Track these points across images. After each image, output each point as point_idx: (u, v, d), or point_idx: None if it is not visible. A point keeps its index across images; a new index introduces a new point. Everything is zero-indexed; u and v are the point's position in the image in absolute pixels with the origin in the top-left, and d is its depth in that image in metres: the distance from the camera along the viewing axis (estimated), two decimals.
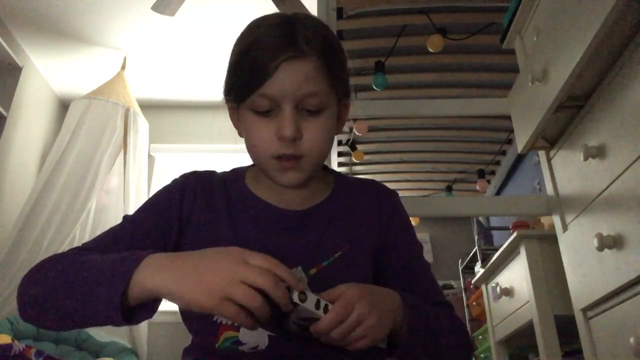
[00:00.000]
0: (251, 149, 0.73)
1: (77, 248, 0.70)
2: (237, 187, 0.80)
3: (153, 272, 0.58)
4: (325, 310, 0.60)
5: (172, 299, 0.57)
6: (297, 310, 0.61)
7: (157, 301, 0.60)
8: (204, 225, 0.75)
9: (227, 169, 0.86)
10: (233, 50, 0.72)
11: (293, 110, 0.68)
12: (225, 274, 0.55)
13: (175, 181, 0.81)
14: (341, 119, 0.78)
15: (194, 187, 0.79)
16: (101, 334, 2.92)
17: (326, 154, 0.75)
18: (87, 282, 0.59)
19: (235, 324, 0.69)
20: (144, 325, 3.07)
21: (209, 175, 0.82)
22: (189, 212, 0.76)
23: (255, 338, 0.70)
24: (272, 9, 2.41)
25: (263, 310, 0.56)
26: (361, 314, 0.61)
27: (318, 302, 0.61)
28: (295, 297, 0.59)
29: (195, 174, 0.81)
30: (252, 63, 0.67)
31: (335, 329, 0.60)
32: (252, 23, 0.73)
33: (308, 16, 0.74)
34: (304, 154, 0.70)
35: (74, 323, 0.63)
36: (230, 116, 0.78)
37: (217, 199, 0.78)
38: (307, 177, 0.74)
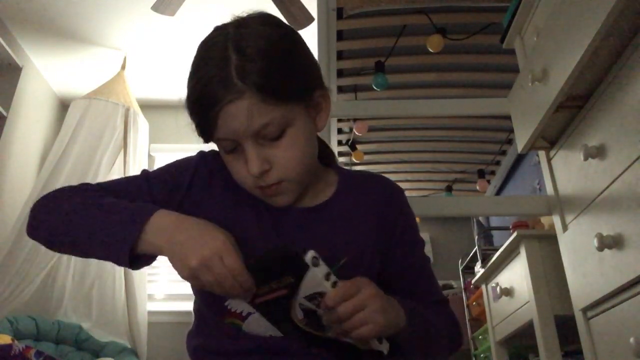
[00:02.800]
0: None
1: (93, 186, 0.75)
2: None
3: (156, 234, 0.65)
4: (334, 286, 0.62)
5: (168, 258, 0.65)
6: (304, 282, 0.62)
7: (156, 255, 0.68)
8: (224, 203, 0.77)
9: None
10: (187, 85, 0.70)
11: (253, 145, 0.67)
12: (200, 259, 0.62)
13: (191, 158, 0.82)
14: (322, 110, 0.75)
15: (211, 166, 0.80)
16: (101, 334, 2.92)
17: (307, 165, 0.73)
18: (103, 226, 0.67)
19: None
20: (144, 325, 3.07)
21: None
22: (202, 192, 0.77)
23: (259, 331, 0.70)
24: (272, 8, 2.41)
25: (228, 292, 0.63)
26: (367, 297, 0.62)
27: (329, 274, 0.62)
28: (309, 258, 0.60)
29: (211, 154, 0.82)
30: (197, 112, 0.68)
31: (341, 305, 0.61)
32: (197, 53, 0.70)
33: (250, 28, 0.68)
34: (282, 178, 0.70)
35: (79, 252, 0.72)
36: None
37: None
38: (296, 194, 0.74)
